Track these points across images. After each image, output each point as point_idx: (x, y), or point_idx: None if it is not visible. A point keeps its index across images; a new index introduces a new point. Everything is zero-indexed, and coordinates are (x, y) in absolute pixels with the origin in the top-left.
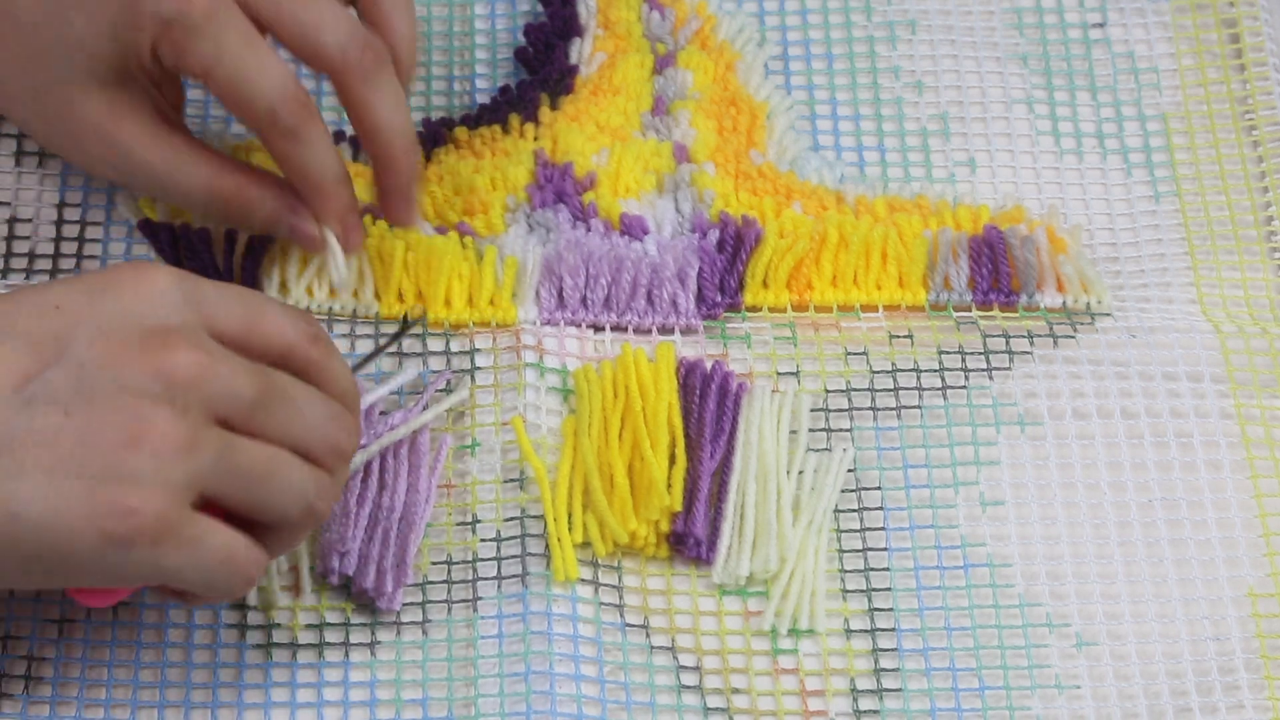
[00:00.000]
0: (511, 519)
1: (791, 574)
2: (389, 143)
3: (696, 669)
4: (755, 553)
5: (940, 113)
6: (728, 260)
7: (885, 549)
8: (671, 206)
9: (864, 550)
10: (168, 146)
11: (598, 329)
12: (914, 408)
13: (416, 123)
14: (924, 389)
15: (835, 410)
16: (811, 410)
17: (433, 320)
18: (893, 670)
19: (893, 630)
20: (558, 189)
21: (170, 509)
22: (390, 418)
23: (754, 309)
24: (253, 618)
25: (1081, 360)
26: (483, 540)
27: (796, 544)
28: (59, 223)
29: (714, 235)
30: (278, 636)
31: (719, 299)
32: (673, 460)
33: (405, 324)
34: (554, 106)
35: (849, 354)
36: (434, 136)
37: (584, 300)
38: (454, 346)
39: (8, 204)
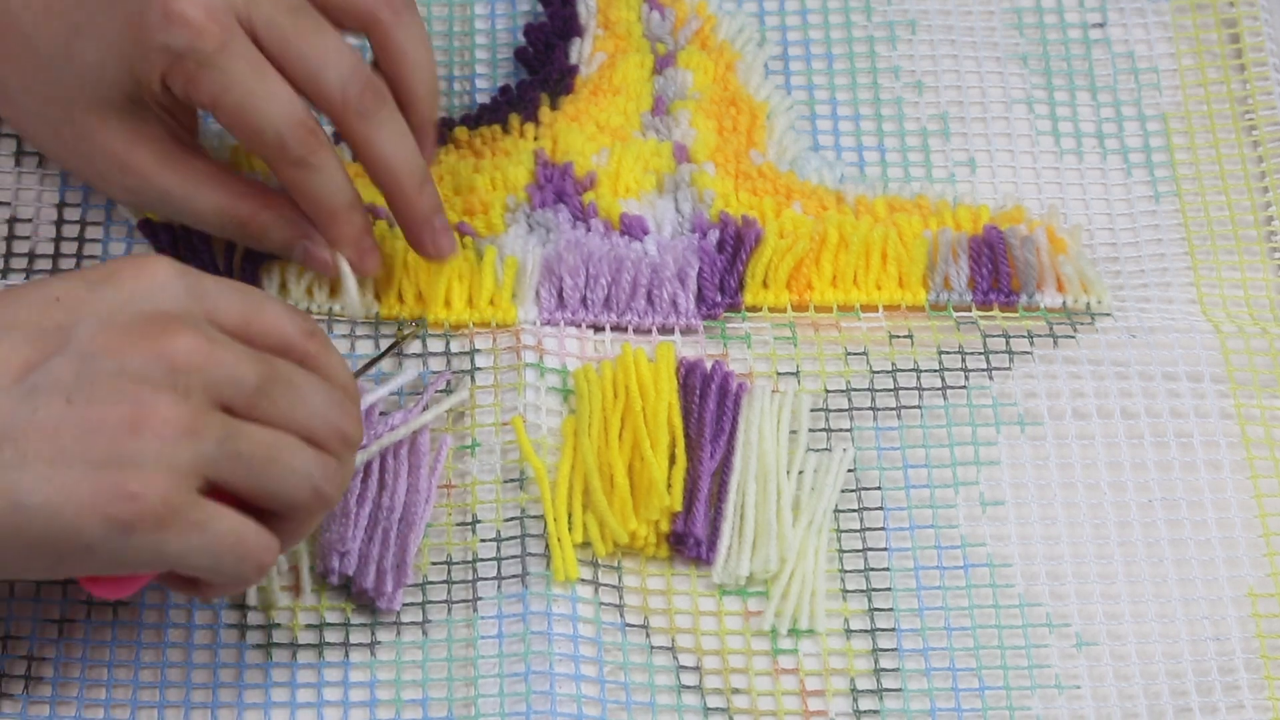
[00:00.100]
0: (511, 519)
1: (791, 574)
2: (395, 178)
3: (696, 669)
4: (755, 553)
5: (940, 113)
6: (728, 260)
7: (885, 549)
8: (671, 206)
9: (864, 550)
10: (183, 171)
11: (598, 329)
12: (914, 408)
13: None
14: (924, 389)
15: (835, 410)
16: (811, 410)
17: (433, 321)
18: (893, 670)
19: (893, 630)
20: (558, 189)
21: (174, 493)
22: (390, 418)
23: (754, 309)
24: (253, 618)
25: (1081, 360)
26: (483, 540)
27: (796, 544)
28: (59, 223)
29: (714, 235)
30: (278, 636)
31: (719, 299)
32: (673, 460)
33: (403, 333)
34: (554, 106)
35: (849, 354)
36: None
37: (584, 300)
38: (454, 347)
39: (8, 204)
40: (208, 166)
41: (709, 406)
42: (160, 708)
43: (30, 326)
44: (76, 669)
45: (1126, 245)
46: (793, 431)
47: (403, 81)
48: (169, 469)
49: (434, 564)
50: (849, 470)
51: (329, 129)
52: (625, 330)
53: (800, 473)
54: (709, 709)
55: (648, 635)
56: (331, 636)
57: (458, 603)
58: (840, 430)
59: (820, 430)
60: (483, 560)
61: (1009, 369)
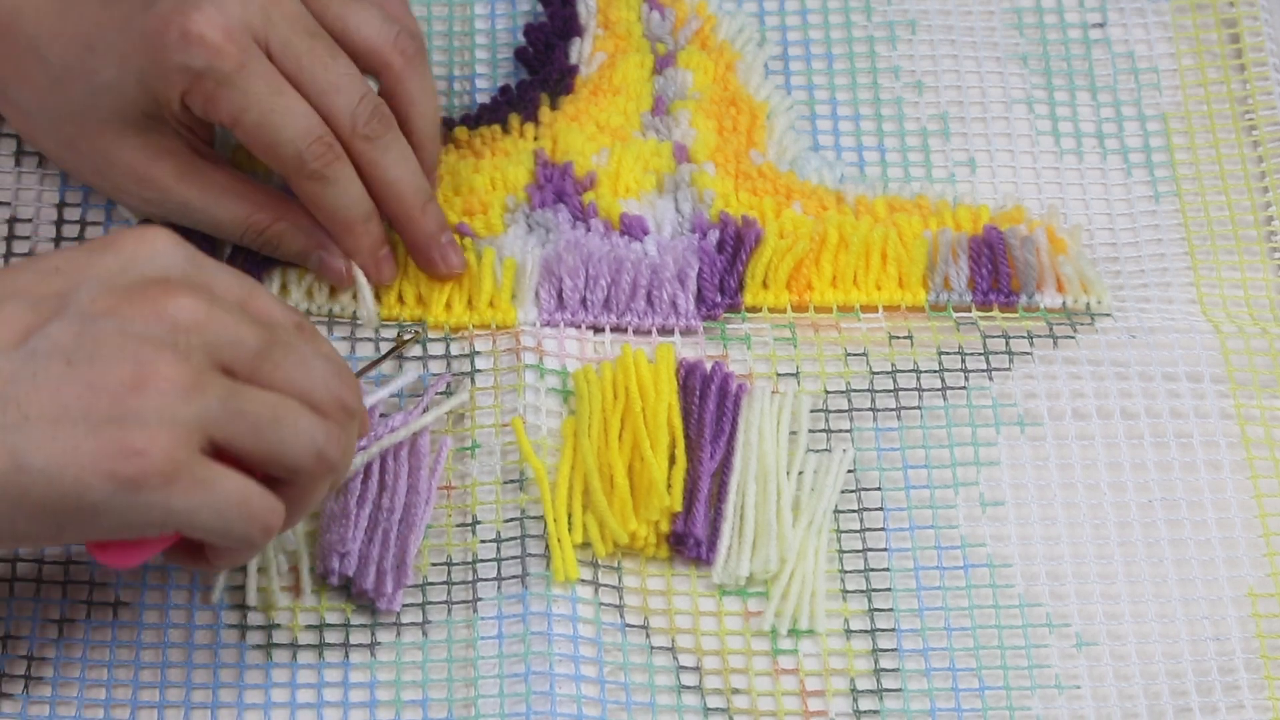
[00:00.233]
0: (511, 520)
1: (791, 574)
2: (400, 199)
3: (696, 669)
4: (755, 553)
5: (940, 113)
6: (727, 261)
7: (885, 549)
8: (671, 206)
9: (864, 550)
10: (202, 183)
11: (597, 330)
12: (914, 408)
13: None
14: (924, 389)
15: (835, 411)
16: (811, 411)
17: (432, 323)
18: (893, 670)
19: (893, 630)
20: (557, 189)
21: (178, 449)
22: (390, 420)
23: (754, 310)
24: (253, 618)
25: (1081, 360)
26: (483, 541)
27: (796, 544)
28: (59, 223)
29: (714, 235)
30: (278, 637)
31: (719, 299)
32: (673, 461)
33: (403, 337)
34: (554, 106)
35: (849, 355)
36: None
37: (583, 301)
38: (454, 349)
39: (8, 204)
40: (226, 178)
41: (709, 407)
42: (160, 708)
43: (30, 294)
44: (76, 669)
45: (1126, 245)
46: (793, 432)
47: (408, 125)
48: (172, 425)
49: (434, 565)
50: (849, 471)
51: None
52: (625, 331)
53: (800, 473)
54: (709, 709)
55: (648, 635)
56: (331, 637)
57: (458, 603)
58: (840, 431)
59: (820, 431)
60: (483, 561)
61: (1009, 369)
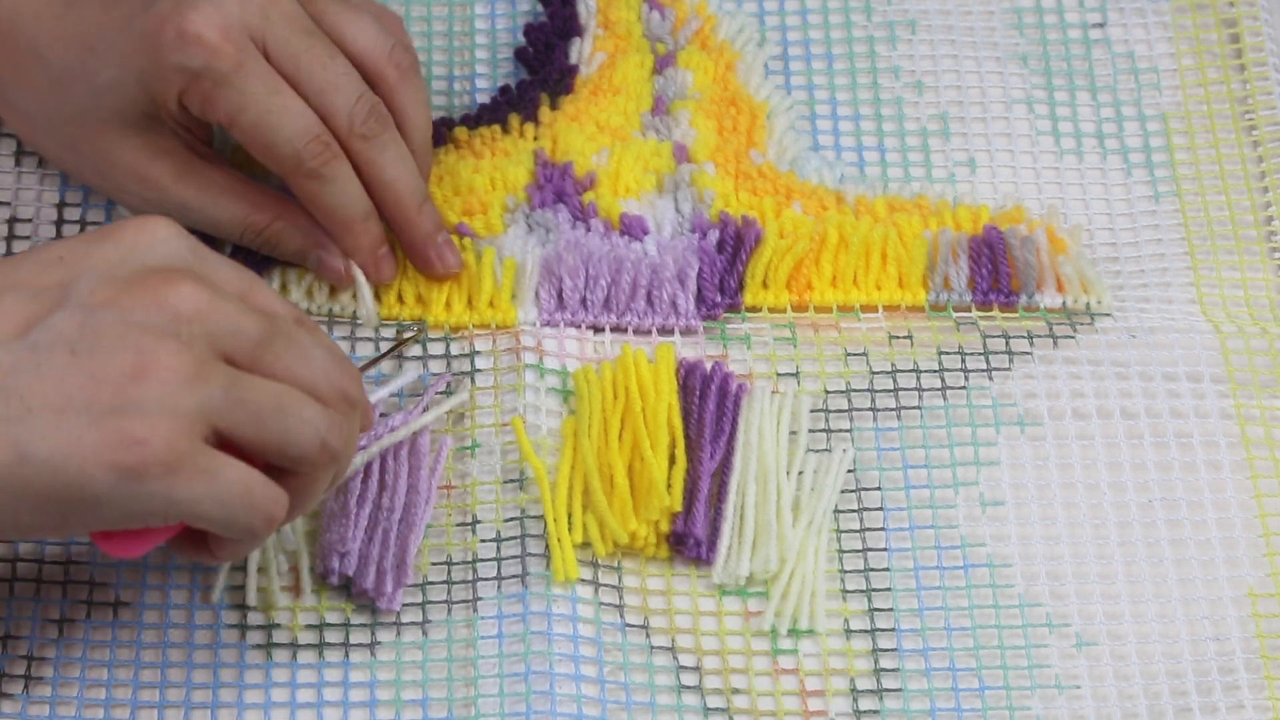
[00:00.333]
0: (511, 519)
1: (791, 574)
2: (397, 198)
3: (696, 669)
4: (755, 553)
5: (940, 113)
6: (727, 260)
7: (885, 549)
8: (671, 206)
9: (864, 550)
10: (201, 183)
11: (597, 330)
12: (914, 408)
13: None
14: (924, 389)
15: (835, 411)
16: (811, 411)
17: (432, 322)
18: (893, 670)
19: (893, 630)
20: (557, 189)
21: (180, 438)
22: (390, 419)
23: (754, 310)
24: (253, 618)
25: (1081, 360)
26: (483, 541)
27: (796, 544)
28: (59, 223)
29: (714, 235)
30: (278, 636)
31: (719, 299)
32: (673, 461)
33: (403, 336)
34: (554, 106)
35: (849, 354)
36: (434, 136)
37: (583, 301)
38: (454, 349)
39: (8, 204)
40: (224, 177)
41: (709, 407)
42: (160, 708)
43: (32, 284)
44: (76, 669)
45: (1126, 245)
46: (793, 432)
47: (402, 137)
48: (174, 415)
49: (434, 564)
50: (849, 470)
51: None
52: (625, 331)
53: (800, 473)
54: (709, 709)
55: (648, 635)
56: (331, 637)
57: (458, 603)
58: (840, 431)
59: (820, 431)
60: (483, 560)
61: (1009, 369)
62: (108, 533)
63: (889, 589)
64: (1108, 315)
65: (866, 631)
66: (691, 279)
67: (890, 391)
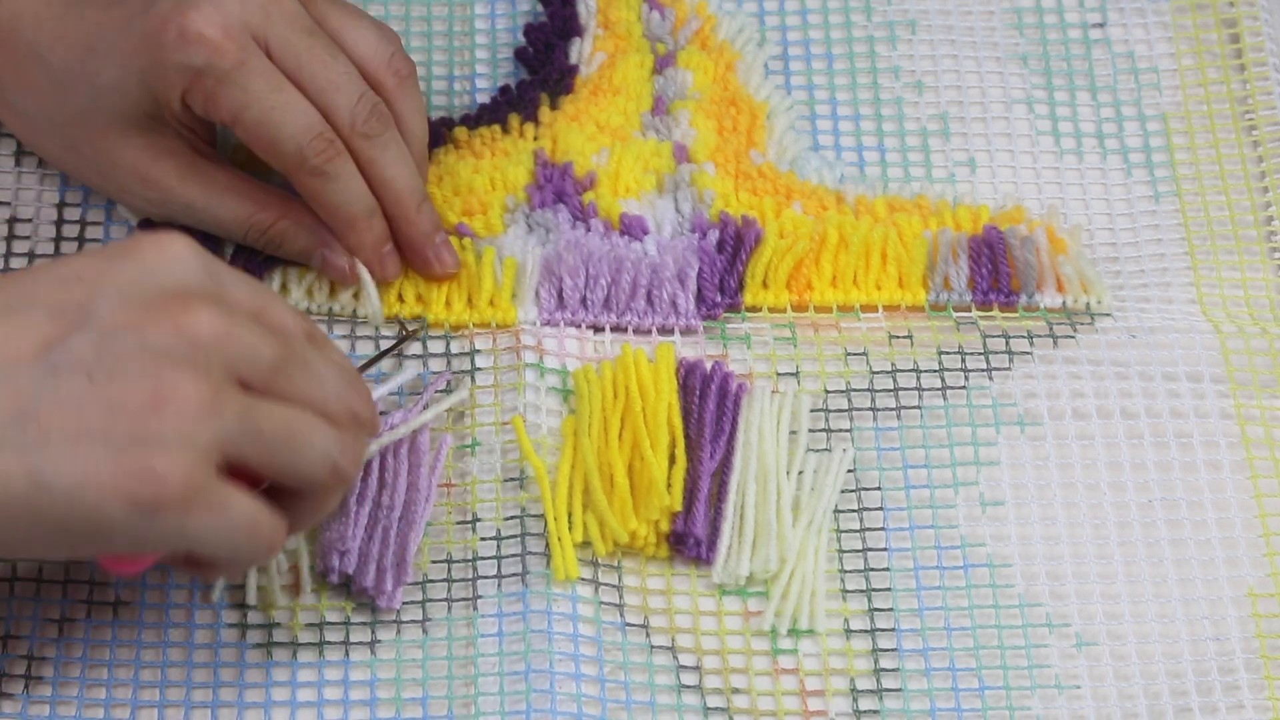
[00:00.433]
0: (511, 518)
1: (791, 574)
2: (397, 197)
3: (696, 669)
4: (755, 553)
5: (940, 113)
6: (727, 260)
7: (885, 549)
8: (671, 206)
9: (864, 550)
10: (205, 182)
11: (597, 329)
12: (914, 408)
13: None
14: (924, 389)
15: (835, 410)
16: (811, 410)
17: (433, 321)
18: (893, 670)
19: (893, 630)
20: (557, 189)
21: (196, 472)
22: (390, 417)
23: (754, 309)
24: (253, 617)
25: (1081, 360)
26: (483, 539)
27: (796, 544)
28: (59, 223)
29: (714, 235)
30: (278, 636)
31: (719, 299)
32: (673, 460)
33: (404, 333)
34: (554, 106)
35: (849, 354)
36: (434, 136)
37: (584, 301)
38: (454, 348)
39: (8, 204)
40: (228, 177)
41: (709, 407)
42: (160, 707)
43: (50, 303)
44: (76, 668)
45: (1126, 245)
46: (793, 432)
47: None
48: (191, 448)
49: (434, 563)
50: (849, 470)
51: None
52: (625, 331)
53: (800, 473)
54: (709, 709)
55: (648, 635)
56: (332, 635)
57: (458, 601)
58: (840, 430)
59: (820, 430)
60: (483, 559)
61: (1009, 369)
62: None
63: (889, 589)
64: (1108, 315)
65: (866, 631)
66: (691, 279)
67: (890, 391)
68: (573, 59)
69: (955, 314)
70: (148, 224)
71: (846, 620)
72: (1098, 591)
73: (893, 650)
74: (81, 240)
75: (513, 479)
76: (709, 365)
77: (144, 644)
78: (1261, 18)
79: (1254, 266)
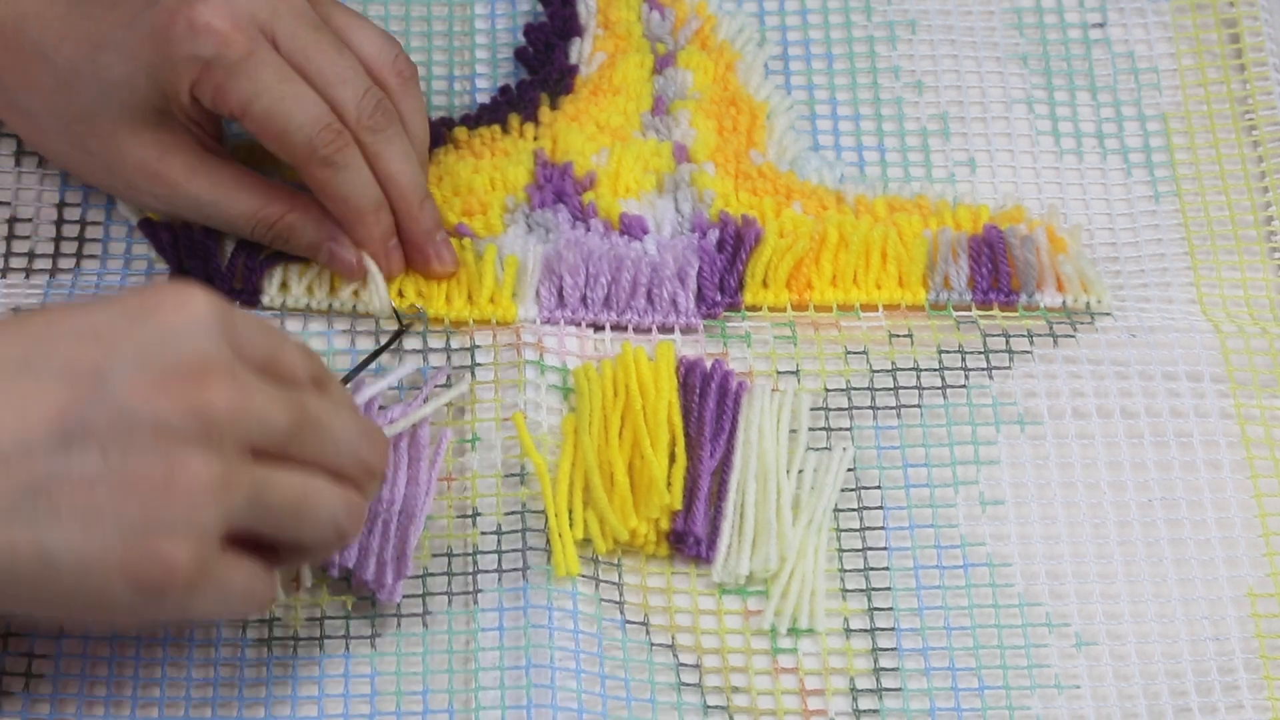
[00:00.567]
0: (512, 513)
1: (791, 573)
2: (400, 192)
3: (696, 667)
4: (755, 552)
5: (940, 113)
6: (728, 260)
7: (885, 549)
8: (671, 206)
9: (864, 550)
10: (213, 178)
11: (598, 328)
12: (914, 407)
13: None
14: (924, 388)
15: (835, 410)
16: (811, 410)
17: (433, 317)
18: (892, 670)
19: (892, 630)
20: (557, 189)
21: (204, 554)
22: (390, 411)
23: (754, 308)
24: None
25: (1081, 360)
26: (483, 533)
27: (796, 543)
28: (59, 223)
29: (714, 235)
30: (278, 630)
31: (719, 298)
32: (673, 459)
33: (402, 327)
34: (554, 106)
35: (849, 353)
36: (434, 136)
37: (584, 299)
38: (454, 344)
39: (8, 204)
40: (235, 172)
41: (709, 405)
42: (161, 704)
43: (66, 367)
44: (77, 666)
45: (1126, 245)
46: (792, 431)
47: None
48: (200, 531)
49: (434, 557)
50: (849, 470)
51: None
52: (625, 329)
53: (800, 472)
54: (709, 707)
55: (648, 633)
56: (332, 629)
57: (458, 595)
58: (840, 429)
59: (820, 429)
60: (483, 553)
61: (1009, 368)
62: None
63: (889, 588)
64: (1108, 315)
65: (866, 631)
66: (691, 278)
67: (890, 390)
68: (573, 59)
69: (955, 313)
70: (148, 224)
71: (846, 620)
72: (1097, 591)
73: (892, 650)
74: (81, 240)
75: (513, 475)
76: (709, 364)
77: (144, 641)
78: (1261, 18)
79: (1254, 266)
